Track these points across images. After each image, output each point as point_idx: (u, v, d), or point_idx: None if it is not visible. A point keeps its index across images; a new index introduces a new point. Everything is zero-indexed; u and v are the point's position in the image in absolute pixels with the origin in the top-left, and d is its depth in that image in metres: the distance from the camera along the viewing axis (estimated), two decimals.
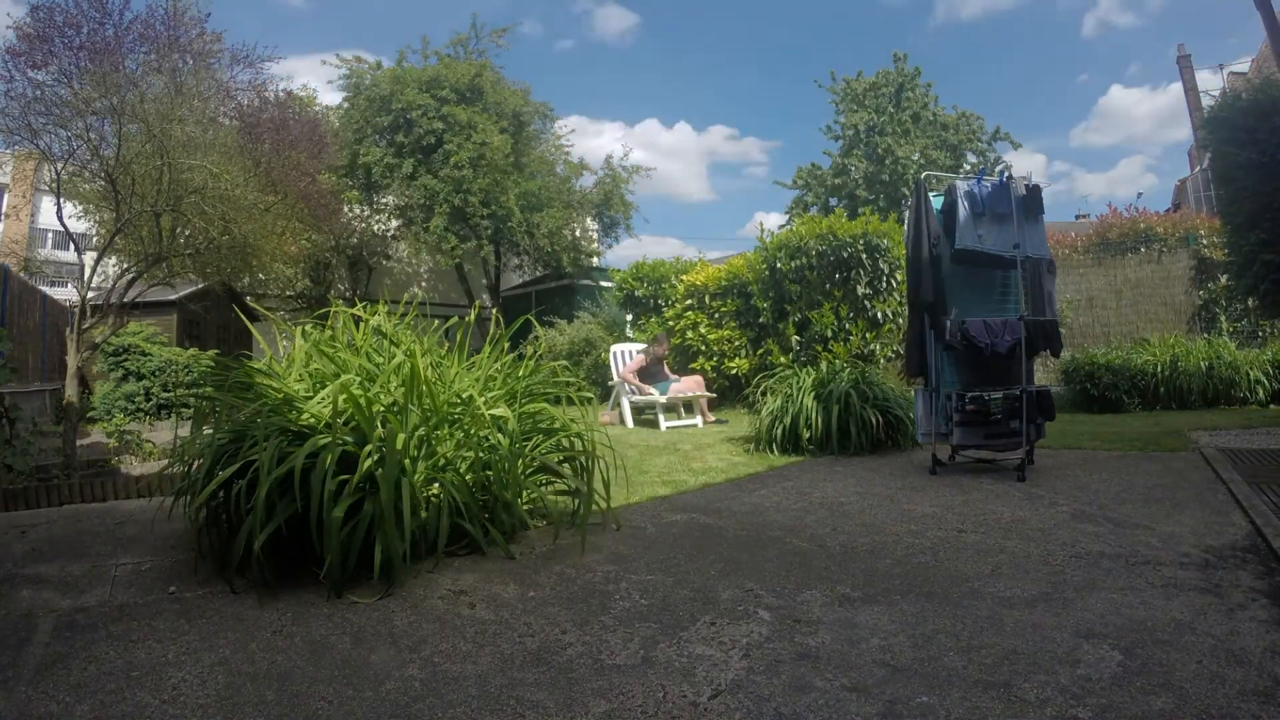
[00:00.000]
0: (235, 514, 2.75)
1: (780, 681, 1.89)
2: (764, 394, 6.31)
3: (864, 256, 8.66)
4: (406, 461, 2.81)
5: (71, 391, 5.15)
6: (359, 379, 3.13)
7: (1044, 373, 9.39)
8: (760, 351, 9.28)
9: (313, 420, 2.92)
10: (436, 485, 2.96)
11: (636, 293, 11.96)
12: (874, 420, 5.67)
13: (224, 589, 2.65)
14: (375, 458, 2.71)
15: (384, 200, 15.94)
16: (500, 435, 3.17)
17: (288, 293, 15.44)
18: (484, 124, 14.21)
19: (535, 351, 4.08)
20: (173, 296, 10.10)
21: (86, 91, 4.80)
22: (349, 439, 2.78)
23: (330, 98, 19.44)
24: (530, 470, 3.51)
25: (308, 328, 3.66)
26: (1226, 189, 6.83)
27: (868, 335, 8.62)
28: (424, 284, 19.54)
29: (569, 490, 3.56)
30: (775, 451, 5.78)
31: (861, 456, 5.56)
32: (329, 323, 3.74)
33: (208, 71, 5.44)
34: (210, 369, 5.97)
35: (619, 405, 8.71)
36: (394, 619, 2.37)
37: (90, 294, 5.25)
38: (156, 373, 9.65)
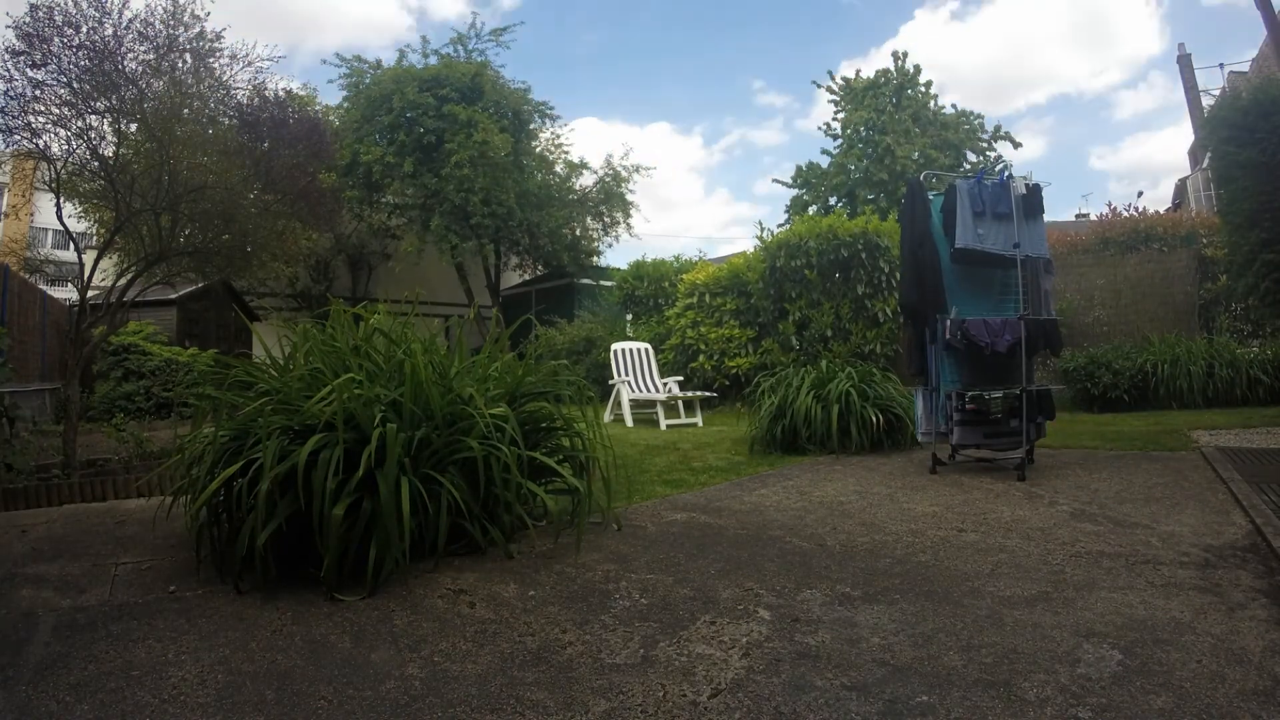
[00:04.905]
0: (236, 513, 2.75)
1: (780, 681, 1.89)
2: (764, 393, 6.32)
3: (864, 256, 8.67)
4: (406, 460, 2.81)
5: (72, 390, 5.15)
6: (360, 378, 3.13)
7: (1044, 372, 9.38)
8: (761, 350, 9.28)
9: (314, 419, 2.92)
10: (436, 484, 2.96)
11: (637, 292, 11.98)
12: (874, 419, 5.67)
13: (224, 588, 2.65)
14: (375, 456, 2.70)
15: (384, 199, 15.92)
16: (499, 434, 3.17)
17: (288, 291, 15.44)
18: (484, 123, 14.18)
19: (535, 350, 4.08)
20: (172, 295, 10.13)
21: (86, 90, 4.79)
22: (350, 437, 2.78)
23: (330, 97, 19.43)
24: (530, 469, 3.50)
25: (308, 326, 3.65)
26: (1226, 189, 6.83)
27: (868, 334, 8.63)
28: (424, 283, 19.48)
29: (569, 489, 3.56)
30: (775, 450, 5.78)
31: (861, 455, 5.56)
32: (330, 321, 3.73)
33: (208, 70, 5.43)
34: (210, 368, 5.97)
35: (620, 404, 8.71)
36: (394, 618, 2.37)
37: (90, 293, 5.24)
38: (156, 372, 9.65)
